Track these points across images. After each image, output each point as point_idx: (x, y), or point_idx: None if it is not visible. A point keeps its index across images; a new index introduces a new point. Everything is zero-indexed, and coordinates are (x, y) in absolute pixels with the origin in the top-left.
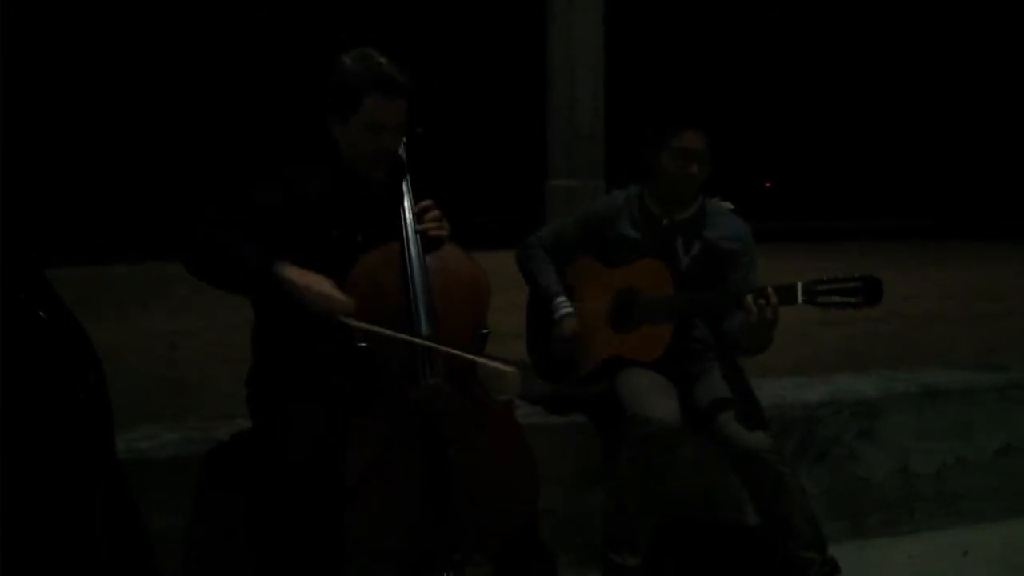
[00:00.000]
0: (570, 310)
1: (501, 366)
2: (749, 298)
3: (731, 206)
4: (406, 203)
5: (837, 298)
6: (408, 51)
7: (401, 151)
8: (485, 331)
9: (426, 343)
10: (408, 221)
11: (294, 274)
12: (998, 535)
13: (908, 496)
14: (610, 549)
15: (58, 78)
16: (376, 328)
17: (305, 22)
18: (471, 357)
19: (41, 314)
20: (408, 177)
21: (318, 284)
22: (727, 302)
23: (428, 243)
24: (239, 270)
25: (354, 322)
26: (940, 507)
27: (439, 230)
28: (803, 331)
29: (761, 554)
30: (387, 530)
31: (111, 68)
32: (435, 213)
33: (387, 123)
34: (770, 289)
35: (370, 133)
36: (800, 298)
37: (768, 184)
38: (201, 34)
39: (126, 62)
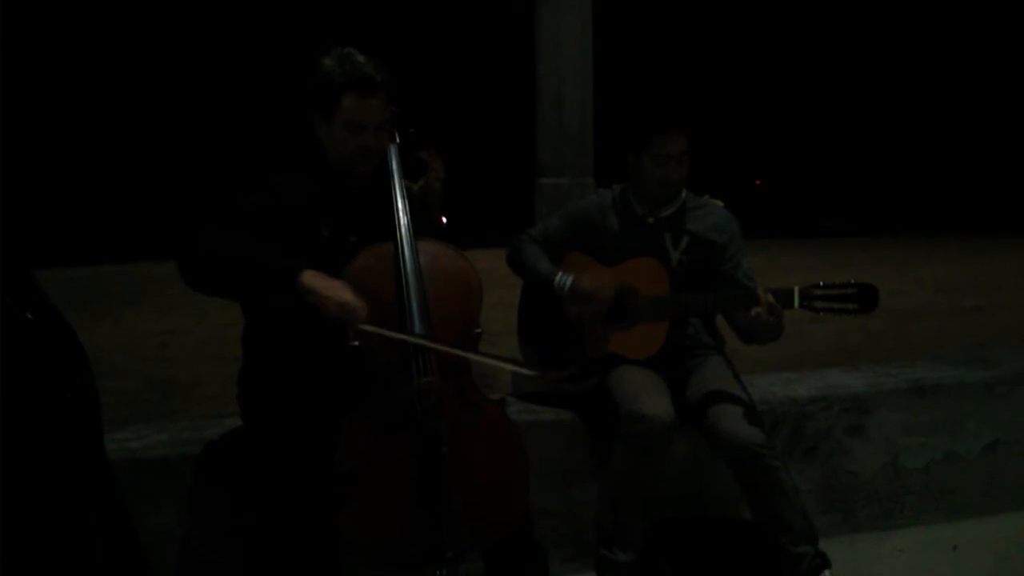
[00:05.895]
0: (574, 277)
1: (513, 367)
2: (764, 295)
3: (721, 204)
4: (398, 203)
5: (835, 304)
6: (398, 52)
7: (393, 152)
8: (478, 331)
9: (442, 347)
10: (401, 221)
11: (317, 282)
12: (987, 530)
13: (897, 491)
14: (603, 545)
15: (45, 80)
16: (389, 332)
17: (296, 25)
18: (477, 358)
19: (28, 315)
20: (399, 177)
21: (339, 293)
22: (737, 304)
23: (422, 241)
24: (256, 278)
25: (370, 328)
26: (929, 502)
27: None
28: (793, 327)
29: (754, 548)
30: (380, 528)
31: (98, 69)
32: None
33: (366, 121)
34: (771, 297)
35: (350, 133)
36: (797, 303)
37: (758, 182)
38: (187, 37)
39: (113, 64)
